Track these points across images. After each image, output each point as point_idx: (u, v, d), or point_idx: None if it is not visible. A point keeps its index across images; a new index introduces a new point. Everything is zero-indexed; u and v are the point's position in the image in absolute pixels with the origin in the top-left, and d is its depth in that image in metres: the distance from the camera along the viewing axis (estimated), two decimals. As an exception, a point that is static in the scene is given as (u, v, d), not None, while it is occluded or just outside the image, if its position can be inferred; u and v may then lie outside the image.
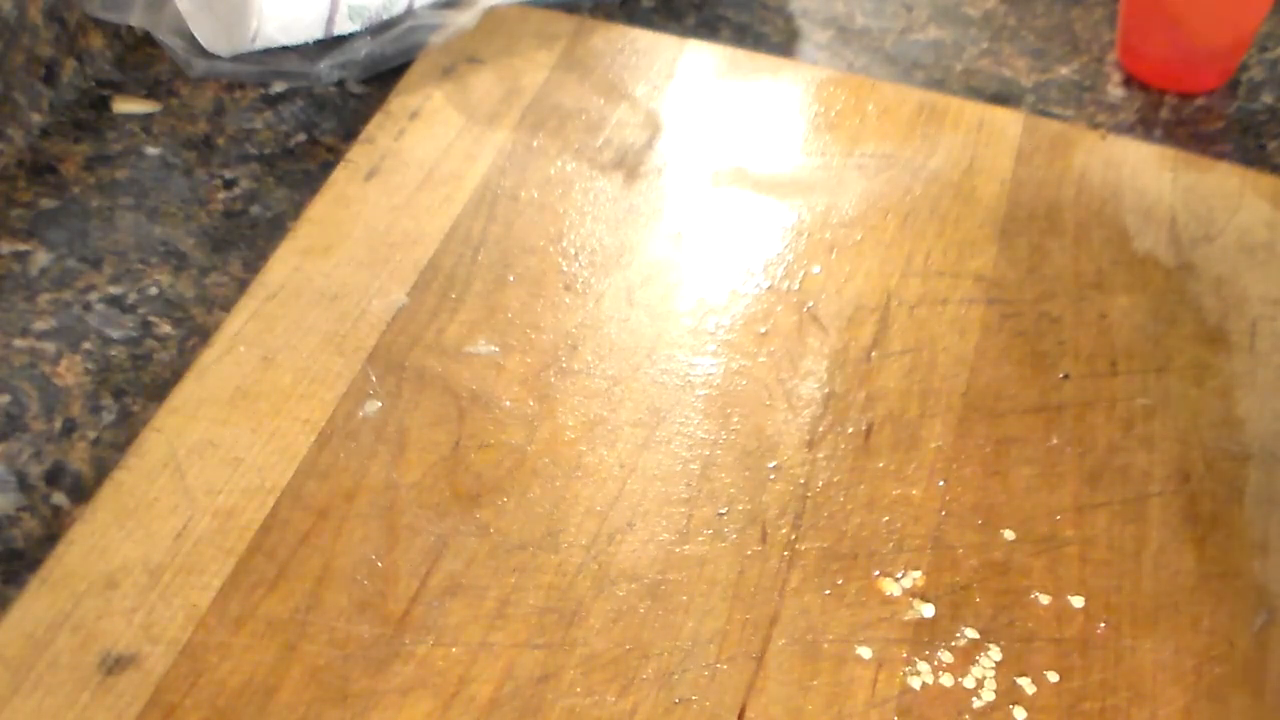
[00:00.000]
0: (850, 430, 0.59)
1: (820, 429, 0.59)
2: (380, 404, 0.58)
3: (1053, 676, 0.51)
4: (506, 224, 0.66)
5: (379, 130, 0.70)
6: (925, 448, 0.58)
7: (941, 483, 0.57)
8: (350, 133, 0.72)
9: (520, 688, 0.50)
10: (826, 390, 0.60)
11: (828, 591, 0.53)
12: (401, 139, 0.70)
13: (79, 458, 0.57)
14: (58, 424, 0.59)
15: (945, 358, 0.62)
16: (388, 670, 0.50)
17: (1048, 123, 0.74)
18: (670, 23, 0.81)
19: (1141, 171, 0.72)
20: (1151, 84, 0.79)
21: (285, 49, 0.74)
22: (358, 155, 0.69)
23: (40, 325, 0.62)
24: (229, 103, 0.74)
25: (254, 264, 0.65)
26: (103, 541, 0.53)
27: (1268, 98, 0.78)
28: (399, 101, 0.72)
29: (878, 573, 0.54)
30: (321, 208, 0.66)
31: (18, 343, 0.62)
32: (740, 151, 0.71)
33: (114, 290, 0.64)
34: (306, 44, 0.74)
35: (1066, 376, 0.62)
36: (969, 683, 0.51)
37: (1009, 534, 0.56)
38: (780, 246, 0.67)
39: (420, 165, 0.69)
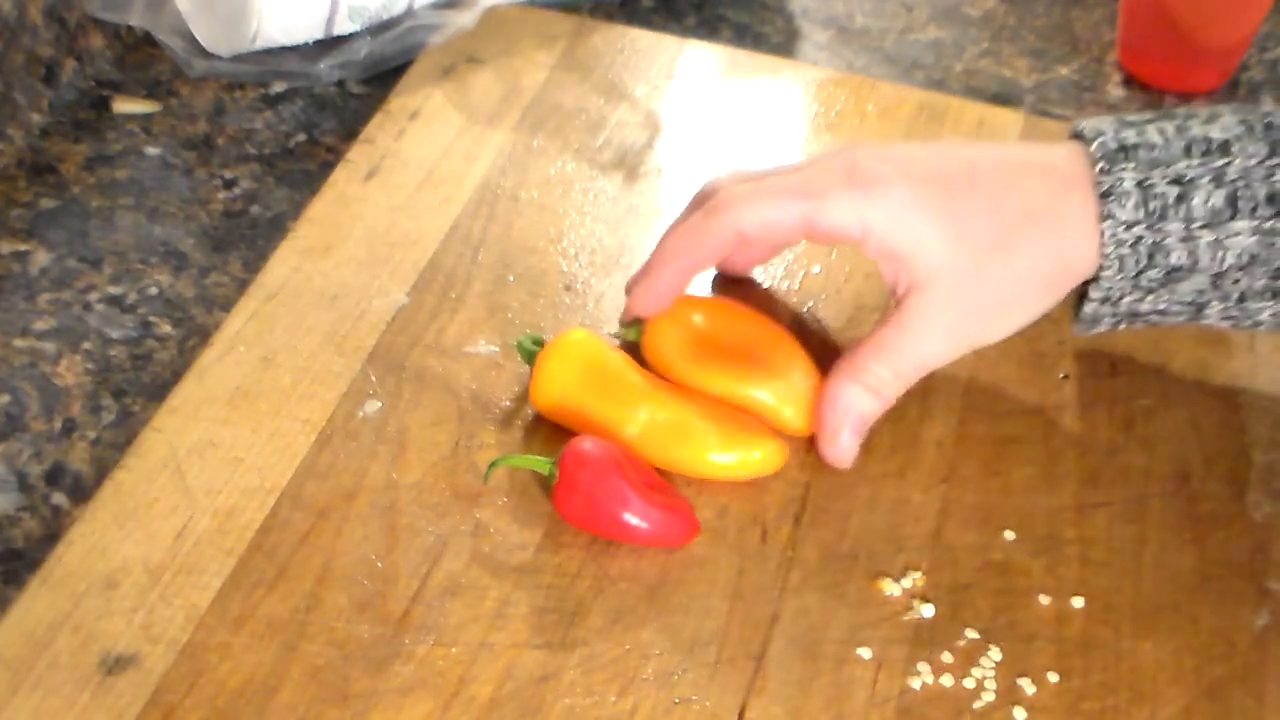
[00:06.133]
0: (850, 430, 0.59)
1: (820, 429, 0.59)
2: (380, 404, 0.58)
3: (1053, 677, 0.51)
4: (506, 224, 0.66)
5: (379, 130, 0.70)
6: (925, 448, 0.58)
7: (942, 483, 0.57)
8: (350, 133, 0.72)
9: (520, 688, 0.50)
10: (826, 390, 0.60)
11: (828, 591, 0.53)
12: (401, 139, 0.70)
13: (79, 458, 0.58)
14: (58, 424, 0.59)
15: (945, 358, 0.62)
16: (388, 670, 0.50)
17: (1048, 123, 0.74)
18: (670, 23, 0.81)
19: (1141, 171, 0.72)
20: (1151, 84, 0.79)
21: (285, 49, 0.74)
22: (358, 155, 0.69)
23: (40, 325, 0.62)
24: (229, 103, 0.74)
25: (254, 264, 0.65)
26: (103, 541, 0.53)
27: (1268, 98, 0.78)
28: (399, 101, 0.72)
29: (878, 573, 0.54)
30: (321, 208, 0.66)
31: (18, 343, 0.62)
32: (740, 151, 0.71)
33: (114, 290, 0.64)
34: (306, 44, 0.74)
35: (1066, 376, 0.62)
36: (969, 683, 0.51)
37: (1009, 534, 0.56)
38: (780, 246, 0.67)
39: (420, 165, 0.69)
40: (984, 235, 0.52)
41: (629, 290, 0.59)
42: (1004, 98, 0.78)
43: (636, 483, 0.53)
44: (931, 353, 0.54)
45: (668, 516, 0.53)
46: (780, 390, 0.57)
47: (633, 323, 0.59)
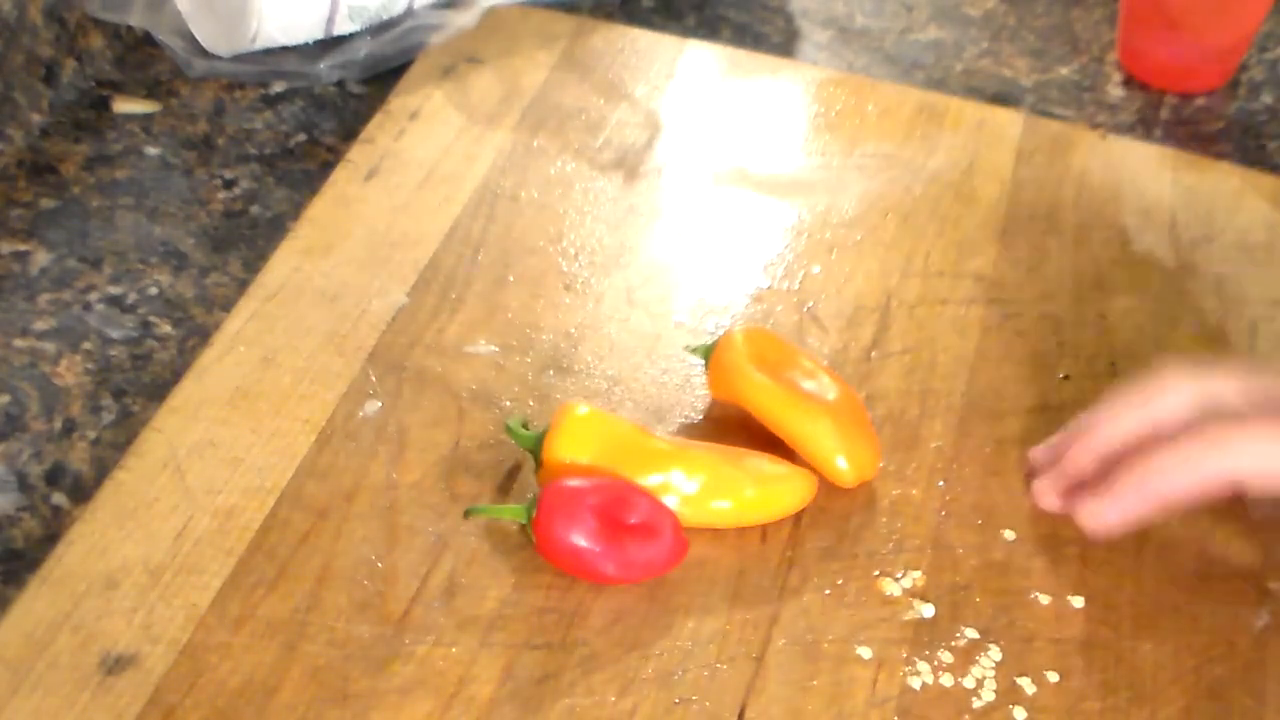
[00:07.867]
0: (850, 430, 0.59)
1: (820, 429, 0.59)
2: (380, 404, 0.58)
3: (1053, 676, 0.51)
4: (506, 224, 0.66)
5: (379, 130, 0.70)
6: (925, 448, 0.58)
7: (941, 483, 0.57)
8: (350, 133, 0.72)
9: (520, 688, 0.50)
10: (826, 390, 0.60)
11: (828, 591, 0.53)
12: (401, 139, 0.70)
13: (79, 458, 0.57)
14: (58, 424, 0.59)
15: (945, 358, 0.62)
16: (388, 670, 0.50)
17: (1048, 123, 0.74)
18: (670, 23, 0.81)
19: (1141, 172, 0.72)
20: (1151, 84, 0.79)
21: (285, 49, 0.74)
22: (358, 155, 0.69)
23: (40, 325, 0.62)
24: (229, 103, 0.74)
25: (254, 264, 0.65)
26: (103, 541, 0.53)
27: (1268, 98, 0.78)
28: (399, 101, 0.72)
29: (878, 573, 0.54)
30: (321, 208, 0.66)
31: (18, 343, 0.62)
32: (740, 151, 0.71)
33: (114, 290, 0.64)
34: (306, 44, 0.74)
35: (1066, 377, 0.62)
36: (969, 683, 0.51)
37: (1009, 534, 0.56)
38: (780, 246, 0.67)
39: (420, 165, 0.69)
40: None
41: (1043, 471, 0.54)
42: (1004, 98, 0.78)
43: (609, 526, 0.51)
44: None
45: (646, 559, 0.52)
46: (838, 435, 0.55)
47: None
